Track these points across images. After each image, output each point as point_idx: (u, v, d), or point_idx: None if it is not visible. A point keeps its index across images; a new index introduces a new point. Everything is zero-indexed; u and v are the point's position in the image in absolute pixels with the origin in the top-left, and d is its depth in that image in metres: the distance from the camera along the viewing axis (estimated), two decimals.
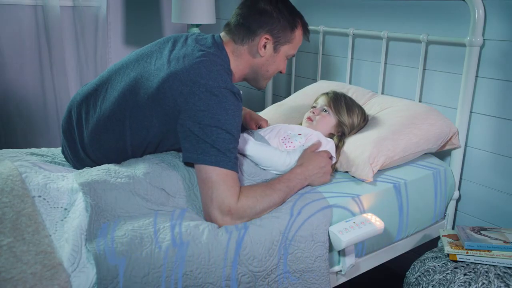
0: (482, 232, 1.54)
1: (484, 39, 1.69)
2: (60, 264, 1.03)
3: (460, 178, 1.85)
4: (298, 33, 1.49)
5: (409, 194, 1.61)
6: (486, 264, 1.44)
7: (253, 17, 1.43)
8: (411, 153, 1.66)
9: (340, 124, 1.68)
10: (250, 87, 2.70)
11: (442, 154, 1.88)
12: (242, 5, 1.47)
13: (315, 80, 2.39)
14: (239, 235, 1.21)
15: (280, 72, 1.55)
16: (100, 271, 1.05)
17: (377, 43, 2.06)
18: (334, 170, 1.62)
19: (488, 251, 1.44)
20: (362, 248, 1.50)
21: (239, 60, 1.46)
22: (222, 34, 1.49)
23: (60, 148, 1.62)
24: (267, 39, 1.44)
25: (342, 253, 1.40)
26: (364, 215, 1.41)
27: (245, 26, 1.43)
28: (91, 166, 1.40)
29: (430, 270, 1.48)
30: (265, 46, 1.45)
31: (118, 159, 1.40)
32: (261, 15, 1.42)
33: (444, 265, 1.47)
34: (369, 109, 1.86)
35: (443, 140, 1.73)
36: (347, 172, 1.62)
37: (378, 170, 1.58)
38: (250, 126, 1.73)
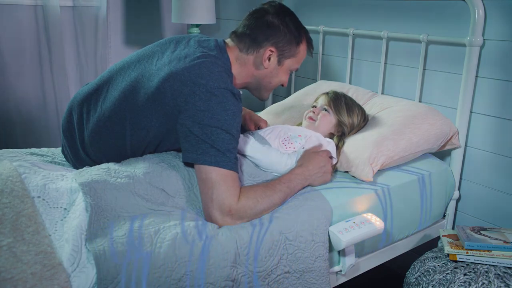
0: (482, 232, 1.54)
1: (484, 39, 1.69)
2: (60, 264, 1.03)
3: (460, 178, 1.84)
4: (303, 48, 1.50)
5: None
6: (486, 264, 1.44)
7: (260, 29, 1.44)
8: (411, 153, 1.66)
9: (340, 124, 1.69)
10: None
11: (442, 154, 1.88)
12: (250, 16, 1.47)
13: (315, 80, 2.38)
14: (239, 235, 1.21)
15: (282, 85, 1.55)
16: (100, 271, 1.05)
17: (377, 43, 2.06)
18: (334, 170, 1.62)
19: (488, 251, 1.44)
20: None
21: (242, 68, 1.46)
22: (228, 40, 1.50)
23: (60, 148, 1.62)
24: (272, 51, 1.45)
25: (342, 253, 1.40)
26: (364, 215, 1.41)
27: (252, 37, 1.44)
28: (91, 166, 1.40)
29: (430, 270, 1.48)
30: (269, 59, 1.46)
31: (118, 159, 1.40)
32: (268, 27, 1.43)
33: (444, 265, 1.47)
34: (369, 109, 1.86)
35: (443, 140, 1.73)
36: (347, 172, 1.62)
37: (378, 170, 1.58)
38: (249, 127, 1.73)
